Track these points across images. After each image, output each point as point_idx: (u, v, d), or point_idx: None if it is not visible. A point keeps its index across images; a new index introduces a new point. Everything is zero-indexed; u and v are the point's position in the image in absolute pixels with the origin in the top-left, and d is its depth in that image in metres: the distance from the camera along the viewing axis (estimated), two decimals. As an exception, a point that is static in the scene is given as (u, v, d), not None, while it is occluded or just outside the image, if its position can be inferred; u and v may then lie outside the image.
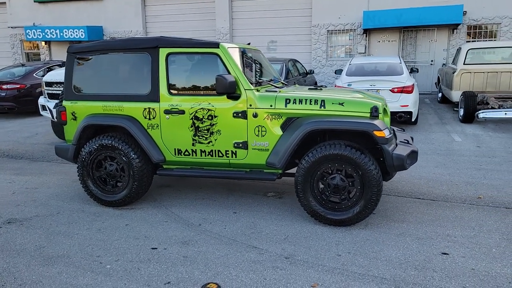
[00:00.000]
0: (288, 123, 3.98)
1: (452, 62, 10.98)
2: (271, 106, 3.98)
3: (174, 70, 4.22)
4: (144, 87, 4.26)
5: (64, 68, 8.35)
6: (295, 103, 3.95)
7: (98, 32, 17.69)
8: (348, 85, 8.37)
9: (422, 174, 5.41)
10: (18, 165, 6.45)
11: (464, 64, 9.83)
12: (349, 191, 3.78)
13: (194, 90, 4.18)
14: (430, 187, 4.92)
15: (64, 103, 4.53)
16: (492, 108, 8.48)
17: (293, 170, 5.67)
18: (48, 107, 7.26)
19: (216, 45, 4.10)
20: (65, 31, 17.37)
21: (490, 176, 5.28)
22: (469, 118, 8.76)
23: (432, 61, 14.14)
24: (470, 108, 8.66)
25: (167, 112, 4.20)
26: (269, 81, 4.59)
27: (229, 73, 4.04)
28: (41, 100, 7.55)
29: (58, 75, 7.36)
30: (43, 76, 12.14)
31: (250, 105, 4.01)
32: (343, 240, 3.51)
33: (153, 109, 4.24)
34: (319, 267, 3.07)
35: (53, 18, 18.37)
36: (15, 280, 2.96)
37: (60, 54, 18.89)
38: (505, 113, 7.84)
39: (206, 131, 4.16)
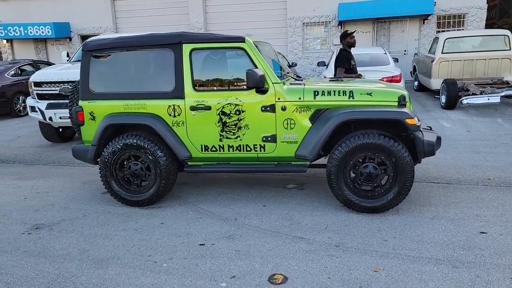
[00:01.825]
0: (317, 115, 4.05)
1: (429, 51, 11.44)
2: (299, 98, 4.04)
3: (198, 66, 4.19)
4: (167, 84, 4.19)
5: (51, 67, 7.99)
6: (324, 95, 4.02)
7: (65, 29, 16.99)
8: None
9: (427, 159, 5.66)
10: (14, 170, 6.16)
11: (442, 53, 10.28)
12: (381, 179, 3.91)
13: (220, 85, 4.16)
14: (439, 171, 5.17)
15: (81, 102, 4.38)
16: (473, 94, 8.94)
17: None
18: (38, 108, 6.93)
19: (242, 39, 4.10)
20: (30, 28, 16.55)
21: (490, 158, 5.61)
22: (452, 104, 9.19)
23: (405, 51, 14.65)
24: (452, 94, 9.09)
25: (193, 108, 4.16)
26: (285, 74, 4.63)
27: (256, 67, 4.05)
28: (30, 101, 7.20)
29: (47, 74, 7.04)
30: (14, 75, 11.57)
31: (279, 99, 4.05)
32: (383, 226, 3.65)
33: (178, 106, 4.18)
34: (372, 253, 3.18)
35: (16, 15, 17.42)
36: (75, 285, 2.87)
37: (23, 52, 17.98)
38: (488, 99, 8.32)
39: (233, 126, 4.16)
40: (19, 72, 11.88)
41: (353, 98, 3.99)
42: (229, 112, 4.13)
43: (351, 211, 4.00)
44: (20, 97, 11.38)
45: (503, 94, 8.42)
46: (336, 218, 3.87)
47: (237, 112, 4.12)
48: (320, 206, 4.18)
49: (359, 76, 6.01)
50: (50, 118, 6.88)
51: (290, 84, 4.21)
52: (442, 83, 9.44)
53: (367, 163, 3.88)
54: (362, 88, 4.03)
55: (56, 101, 6.90)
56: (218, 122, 4.16)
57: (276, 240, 3.48)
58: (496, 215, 3.78)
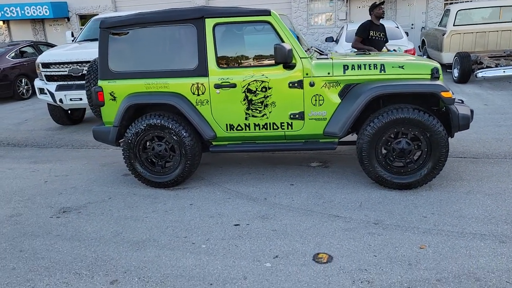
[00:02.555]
0: (347, 90, 3.93)
1: (439, 24, 11.20)
2: (328, 73, 3.91)
3: (222, 41, 4.03)
4: (190, 62, 4.05)
5: (59, 47, 7.78)
6: (354, 69, 3.89)
7: (63, 9, 16.56)
8: (351, 51, 8.36)
9: (450, 134, 5.57)
10: (28, 153, 6.05)
11: (454, 25, 10.06)
12: (414, 155, 3.83)
13: (245, 61, 4.02)
14: (464, 146, 5.08)
15: (100, 82, 4.23)
16: (488, 67, 8.78)
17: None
18: (48, 90, 6.77)
19: (268, 12, 3.94)
20: (27, 8, 16.12)
21: (514, 131, 5.53)
22: (465, 78, 9.05)
23: (412, 24, 14.37)
24: (466, 68, 8.93)
25: (217, 86, 4.03)
26: (309, 49, 4.49)
27: (282, 41, 3.90)
28: (38, 83, 7.02)
29: (55, 55, 6.84)
30: (15, 57, 11.31)
31: (307, 74, 3.92)
32: (419, 202, 3.58)
33: (201, 84, 4.05)
34: (413, 229, 3.12)
35: (12, -5, 16.92)
36: (116, 268, 2.81)
37: (20, 34, 17.59)
38: (504, 71, 8.17)
39: (260, 104, 4.04)
40: (20, 54, 11.61)
41: (385, 71, 3.87)
42: (255, 89, 4.00)
43: (383, 188, 3.93)
44: (23, 80, 11.14)
45: (519, 66, 8.27)
46: (368, 196, 3.80)
47: (264, 89, 3.99)
48: (349, 184, 4.11)
49: (371, 49, 5.84)
50: (61, 100, 6.72)
51: (317, 58, 4.07)
52: (455, 56, 9.27)
53: (400, 138, 3.79)
54: (394, 61, 3.90)
55: (65, 83, 6.73)
56: (244, 100, 4.04)
57: (312, 219, 3.41)
58: (532, 188, 3.72)
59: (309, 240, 3.06)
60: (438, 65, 3.90)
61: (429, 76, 3.82)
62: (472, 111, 3.97)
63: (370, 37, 5.92)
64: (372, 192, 3.87)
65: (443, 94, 3.65)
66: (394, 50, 6.14)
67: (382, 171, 3.86)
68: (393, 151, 3.82)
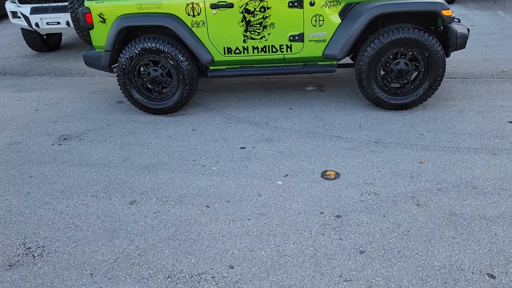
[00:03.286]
0: (347, 10, 3.86)
1: None
2: (329, -9, 3.80)
3: (217, -44, 3.80)
4: (184, -21, 3.83)
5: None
6: (355, -13, 3.79)
7: None
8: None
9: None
10: (9, 82, 5.80)
11: None
12: (411, 75, 3.90)
13: (243, -21, 3.84)
14: (453, 67, 5.19)
15: (87, 3, 3.99)
16: (474, -13, 8.66)
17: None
18: (22, 14, 6.31)
19: None
20: None
21: (500, 51, 5.64)
22: (451, -2, 8.94)
23: None
24: (453, -12, 8.79)
25: (213, 6, 3.87)
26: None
27: (282, -44, 3.71)
28: (10, 6, 6.51)
29: (25, -27, 6.29)
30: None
31: (307, -8, 3.80)
32: (415, 121, 3.74)
33: (197, 4, 3.88)
34: (412, 146, 3.30)
35: None
36: (132, 190, 2.90)
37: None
38: (491, -9, 8.08)
39: (258, 25, 3.94)
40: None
41: (386, -11, 3.78)
42: (253, 10, 3.87)
43: (380, 109, 4.04)
44: (-14, 3, 10.28)
45: (506, -15, 8.19)
46: (366, 117, 3.92)
47: (262, 9, 3.87)
48: (346, 106, 4.21)
49: None
50: (37, 24, 6.32)
51: (317, -24, 3.92)
52: (443, -25, 9.05)
53: (399, 59, 3.83)
54: (395, -21, 3.80)
55: (40, 5, 6.28)
56: (242, 21, 3.92)
57: (315, 140, 3.53)
58: (520, 105, 3.92)
59: (315, 160, 3.20)
60: (439, -17, 3.84)
61: (428, -6, 3.78)
62: (468, 30, 4.00)
63: None
64: (369, 114, 3.99)
65: (444, 12, 3.64)
66: None
67: (380, 93, 3.94)
68: (391, 72, 3.88)
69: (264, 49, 4.03)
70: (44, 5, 6.30)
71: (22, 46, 7.60)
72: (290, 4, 3.84)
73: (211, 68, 4.21)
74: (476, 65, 5.20)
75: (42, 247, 2.40)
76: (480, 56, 5.51)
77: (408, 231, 2.34)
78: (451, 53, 4.84)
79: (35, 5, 6.30)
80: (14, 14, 6.49)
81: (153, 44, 3.96)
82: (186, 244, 2.34)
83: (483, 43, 6.10)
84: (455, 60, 5.41)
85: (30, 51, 7.39)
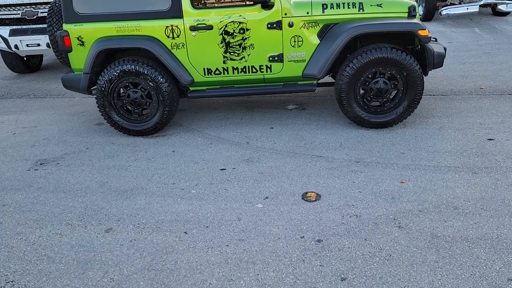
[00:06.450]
0: (326, 31, 3.90)
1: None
2: (307, 13, 3.84)
3: (196, -21, 3.82)
4: (163, 2, 3.84)
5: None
6: (333, 8, 3.84)
7: None
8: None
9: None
10: (-13, 105, 5.69)
11: (420, -39, 9.94)
12: (390, 94, 3.93)
13: (221, 1, 3.86)
14: (432, 83, 5.26)
15: (66, 26, 3.95)
16: (451, 4, 8.90)
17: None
18: (0, 36, 6.23)
19: None
20: None
21: (477, 68, 5.75)
22: (430, 16, 9.15)
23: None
24: (431, 6, 9.00)
25: (193, 28, 3.87)
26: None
27: (259, -21, 3.74)
28: (-12, 28, 6.44)
29: (3, -5, 6.23)
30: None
31: (285, 14, 3.83)
32: (395, 140, 3.75)
33: (176, 26, 3.88)
34: (393, 165, 3.29)
35: None
36: (109, 217, 2.81)
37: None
38: (467, 8, 8.32)
39: (238, 47, 3.95)
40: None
41: (363, 10, 3.84)
42: (232, 31, 3.88)
43: (360, 127, 4.05)
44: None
45: (481, 3, 8.43)
46: (347, 135, 3.92)
47: (241, 31, 3.88)
48: (327, 125, 4.20)
49: None
50: (16, 46, 6.24)
51: (295, -3, 3.96)
52: (421, -6, 9.27)
53: (378, 78, 3.86)
54: (372, 0, 3.86)
55: (20, 27, 6.22)
56: (221, 42, 3.92)
57: (296, 160, 3.51)
58: (498, 122, 3.96)
59: (296, 181, 3.16)
60: (415, 3, 3.91)
61: (406, 14, 3.84)
62: (445, 49, 4.07)
63: None
64: (350, 132, 3.99)
65: (420, 32, 3.70)
66: None
67: (360, 111, 3.95)
68: (371, 91, 3.90)
69: (244, 70, 4.03)
70: (24, 27, 6.24)
71: (2, 67, 7.49)
72: (269, 25, 3.86)
73: (191, 88, 4.18)
74: (454, 82, 5.28)
75: (12, 281, 2.29)
76: (458, 73, 5.61)
77: (390, 255, 2.31)
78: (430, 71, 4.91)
79: (14, 27, 6.23)
80: (-7, 36, 6.40)
81: (133, 66, 3.92)
82: (162, 275, 2.26)
83: (460, 60, 6.22)
84: (434, 77, 5.49)
85: (9, 73, 7.29)
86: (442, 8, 8.65)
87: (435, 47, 3.95)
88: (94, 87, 4.14)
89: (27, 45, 6.21)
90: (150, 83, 3.98)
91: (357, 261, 2.28)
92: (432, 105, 4.55)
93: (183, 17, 3.85)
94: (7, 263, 2.44)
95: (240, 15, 3.83)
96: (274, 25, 3.85)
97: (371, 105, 3.97)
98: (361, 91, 3.95)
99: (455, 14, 8.45)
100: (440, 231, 2.47)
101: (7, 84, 6.66)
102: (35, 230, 2.75)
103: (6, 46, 6.30)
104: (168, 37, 3.92)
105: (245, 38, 3.91)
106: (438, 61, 3.85)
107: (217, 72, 4.05)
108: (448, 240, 2.39)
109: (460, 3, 8.67)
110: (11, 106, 5.57)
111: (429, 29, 7.85)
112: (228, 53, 3.96)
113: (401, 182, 3.04)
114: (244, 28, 3.87)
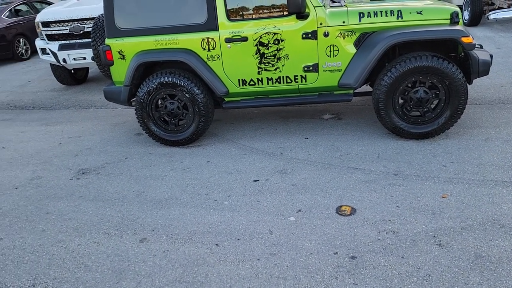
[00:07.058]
0: (363, 39, 3.81)
1: (449, -37, 10.66)
2: (343, 22, 3.78)
3: (231, -8, 3.86)
4: (199, 15, 3.90)
5: (57, 4, 7.50)
6: (370, 17, 3.75)
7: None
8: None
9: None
10: (37, 116, 6.02)
11: (465, -36, 9.57)
12: (431, 103, 3.77)
13: (256, 13, 3.87)
14: (478, 92, 5.01)
15: (108, 41, 4.11)
16: (499, 8, 8.48)
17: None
18: (50, 50, 6.60)
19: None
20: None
21: (529, 75, 5.42)
22: (476, 20, 8.76)
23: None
24: (477, 10, 8.62)
25: (228, 40, 3.91)
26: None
27: (292, -11, 3.72)
28: (39, 43, 6.83)
29: (54, 13, 6.60)
30: (10, 17, 10.95)
31: (321, 24, 3.79)
32: (437, 152, 3.58)
33: (212, 38, 3.93)
34: (434, 179, 3.14)
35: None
36: (144, 227, 2.87)
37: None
38: (517, 12, 7.87)
39: (272, 57, 3.94)
40: (15, 12, 11.23)
41: (402, 18, 3.73)
42: (267, 42, 3.88)
43: (399, 138, 3.91)
44: (21, 40, 10.86)
45: (533, 6, 7.97)
46: (385, 147, 3.79)
47: (276, 42, 3.87)
48: (364, 135, 4.09)
49: None
50: (64, 60, 6.58)
51: (331, 7, 3.91)
52: (466, -2, 8.91)
53: (418, 87, 3.71)
54: (411, 7, 3.74)
55: (68, 42, 6.56)
56: (256, 53, 3.93)
57: (331, 172, 3.43)
58: (551, 133, 3.70)
59: (330, 193, 3.09)
60: (458, 9, 3.75)
61: (448, 21, 3.69)
62: (491, 56, 3.86)
63: None
64: (388, 143, 3.86)
65: (464, 39, 3.53)
66: None
67: (399, 121, 3.82)
68: (411, 101, 3.76)
69: (278, 80, 4.02)
70: (71, 41, 6.57)
71: (51, 80, 7.91)
72: (304, 35, 3.83)
73: (226, 99, 4.22)
74: (503, 89, 5.00)
75: (51, 288, 2.38)
76: (507, 80, 5.30)
77: (429, 275, 2.19)
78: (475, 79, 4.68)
79: (63, 42, 6.58)
80: (43, 51, 6.80)
81: (170, 79, 4.01)
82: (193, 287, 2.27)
83: (509, 67, 5.88)
84: (480, 85, 5.22)
85: (58, 85, 7.68)
86: (490, 12, 8.24)
87: (480, 54, 3.76)
88: (134, 99, 4.28)
89: (74, 59, 6.52)
90: (186, 95, 4.05)
91: (393, 281, 2.17)
92: (478, 114, 4.32)
93: (218, 30, 3.90)
94: (48, 270, 2.54)
95: (275, 26, 3.83)
96: (309, 35, 3.82)
97: (411, 115, 3.83)
98: (400, 101, 3.82)
99: (504, 19, 8.03)
100: (485, 251, 2.32)
101: (56, 96, 7.02)
102: (75, 238, 2.85)
103: (55, 60, 6.66)
104: (204, 49, 3.98)
105: (280, 49, 3.90)
106: (483, 69, 3.66)
107: (251, 83, 4.06)
108: (493, 261, 2.24)
109: (509, 7, 8.23)
110: (59, 116, 5.86)
111: (475, 35, 7.50)
112: (262, 64, 3.96)
113: (443, 197, 2.89)
114: (279, 38, 3.86)
